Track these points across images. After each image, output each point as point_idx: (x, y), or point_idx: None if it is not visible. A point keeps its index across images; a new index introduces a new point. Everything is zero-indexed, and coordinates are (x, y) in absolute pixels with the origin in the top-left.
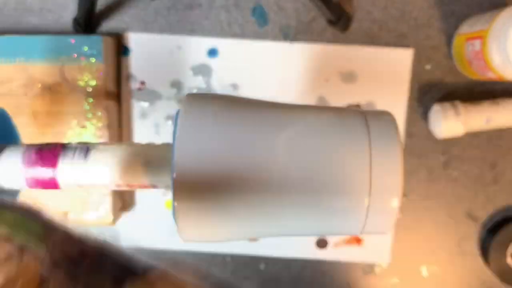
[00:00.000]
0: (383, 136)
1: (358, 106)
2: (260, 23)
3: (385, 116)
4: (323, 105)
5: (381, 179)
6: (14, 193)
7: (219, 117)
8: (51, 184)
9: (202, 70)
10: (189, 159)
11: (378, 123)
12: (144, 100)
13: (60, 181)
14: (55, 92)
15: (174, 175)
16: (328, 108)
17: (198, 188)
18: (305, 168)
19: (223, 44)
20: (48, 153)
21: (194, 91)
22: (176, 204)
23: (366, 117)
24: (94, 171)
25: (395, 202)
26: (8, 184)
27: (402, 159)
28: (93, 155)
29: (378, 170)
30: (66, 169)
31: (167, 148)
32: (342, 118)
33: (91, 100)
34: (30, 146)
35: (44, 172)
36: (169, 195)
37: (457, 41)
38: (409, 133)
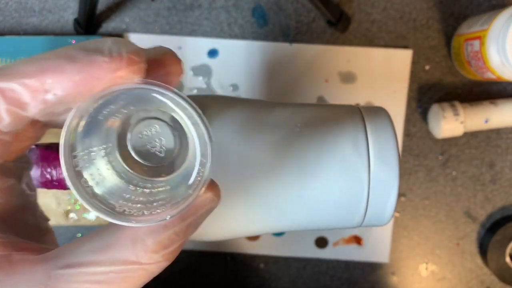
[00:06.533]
0: (378, 129)
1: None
2: (260, 24)
3: (380, 111)
4: (320, 103)
5: (378, 168)
6: None
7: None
8: (55, 185)
9: (202, 71)
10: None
11: (373, 118)
12: None
13: (64, 182)
14: None
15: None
16: (325, 104)
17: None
18: (303, 163)
19: (223, 44)
20: (52, 153)
21: (194, 91)
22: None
23: (362, 112)
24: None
25: (394, 183)
26: None
27: (398, 148)
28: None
29: (376, 162)
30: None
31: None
32: (338, 113)
33: None
34: (34, 146)
35: (48, 172)
36: None
37: (456, 41)
38: (408, 133)
